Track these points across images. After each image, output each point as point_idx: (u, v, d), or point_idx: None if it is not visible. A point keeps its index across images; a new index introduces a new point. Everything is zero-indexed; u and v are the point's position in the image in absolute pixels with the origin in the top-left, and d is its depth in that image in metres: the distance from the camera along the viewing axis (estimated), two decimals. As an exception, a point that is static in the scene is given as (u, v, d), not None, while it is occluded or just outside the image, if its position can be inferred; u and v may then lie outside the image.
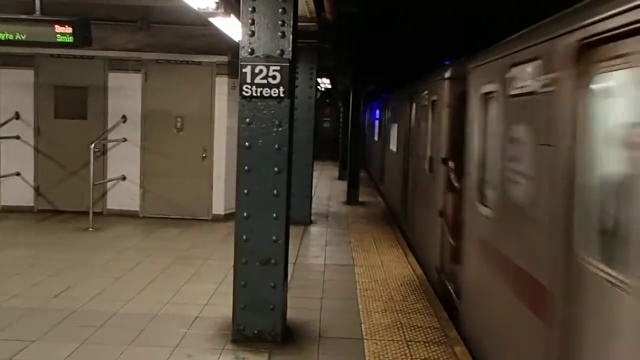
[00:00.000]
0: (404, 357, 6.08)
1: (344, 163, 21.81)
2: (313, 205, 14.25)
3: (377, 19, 11.09)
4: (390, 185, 16.56)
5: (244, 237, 6.21)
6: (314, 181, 15.30)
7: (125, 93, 12.79)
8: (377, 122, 23.43)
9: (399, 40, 12.59)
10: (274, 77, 6.04)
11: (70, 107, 12.93)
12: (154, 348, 6.05)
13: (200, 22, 9.98)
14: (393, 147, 15.60)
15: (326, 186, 21.22)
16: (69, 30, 8.87)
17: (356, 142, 18.42)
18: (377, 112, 23.36)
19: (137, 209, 12.98)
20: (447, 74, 8.37)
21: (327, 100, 33.98)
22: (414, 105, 11.69)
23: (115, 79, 12.81)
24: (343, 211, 15.66)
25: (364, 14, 10.80)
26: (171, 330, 6.52)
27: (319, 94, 22.22)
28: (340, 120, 28.77)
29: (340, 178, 23.37)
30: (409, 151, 12.11)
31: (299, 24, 6.48)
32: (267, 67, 6.05)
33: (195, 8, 7.64)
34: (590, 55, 3.61)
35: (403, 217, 12.86)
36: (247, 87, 6.08)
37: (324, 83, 24.06)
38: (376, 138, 23.16)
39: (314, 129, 13.31)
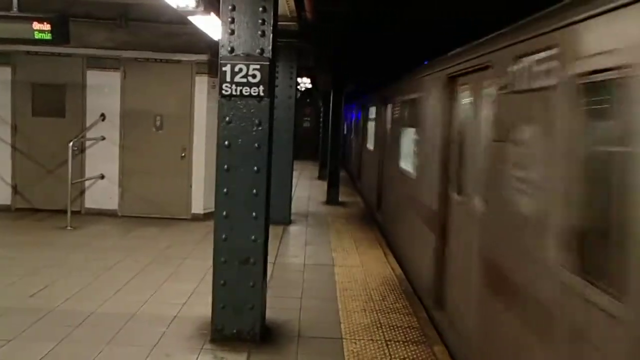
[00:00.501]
0: (383, 356, 6.10)
1: (324, 163, 21.81)
2: (293, 205, 14.22)
3: (359, 19, 11.08)
4: (403, 226, 10.21)
5: (223, 237, 6.20)
6: (294, 181, 15.29)
7: (104, 91, 12.70)
8: (372, 124, 17.16)
9: (382, 41, 12.58)
10: (254, 76, 6.03)
11: (48, 105, 12.83)
12: (132, 347, 6.01)
13: (179, 20, 9.92)
14: (407, 166, 10.08)
15: (306, 186, 21.22)
16: (47, 27, 8.79)
17: (336, 142, 18.43)
18: (373, 109, 16.85)
19: (116, 207, 12.91)
20: None
21: (308, 100, 33.96)
22: (461, 96, 6.55)
23: (94, 77, 12.72)
24: (323, 211, 15.66)
25: (346, 13, 10.78)
26: (149, 330, 6.48)
27: (299, 94, 22.13)
28: (321, 120, 28.78)
29: (320, 178, 23.39)
30: (455, 186, 6.56)
31: (279, 23, 6.47)
32: (247, 66, 6.04)
33: (175, 6, 7.57)
34: None
35: (440, 308, 7.01)
36: (226, 86, 6.06)
37: (304, 82, 23.98)
38: (370, 146, 17.36)
39: (294, 129, 13.29)
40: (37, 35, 8.83)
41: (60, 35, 8.95)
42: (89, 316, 6.79)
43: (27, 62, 12.66)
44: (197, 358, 5.85)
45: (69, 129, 12.49)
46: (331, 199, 17.25)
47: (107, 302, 7.31)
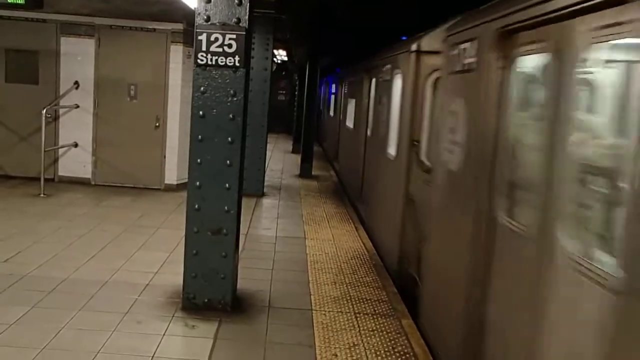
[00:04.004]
0: (351, 328, 6.19)
1: (298, 137, 21.81)
2: (266, 178, 14.26)
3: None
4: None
5: (196, 207, 6.23)
6: (268, 153, 15.30)
7: (77, 59, 12.56)
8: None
9: (356, 15, 12.57)
10: (230, 46, 6.00)
11: (22, 72, 12.67)
12: (104, 314, 6.05)
13: (155, -12, 9.84)
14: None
15: (279, 159, 21.23)
16: (20, -9, 8.72)
17: (311, 116, 18.40)
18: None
19: (89, 176, 12.85)
20: None
21: (283, 73, 33.85)
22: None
23: (68, 44, 12.57)
24: (296, 184, 15.71)
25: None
26: (121, 297, 6.52)
27: (274, 66, 22.05)
28: (296, 93, 28.74)
29: (294, 151, 23.40)
30: None
31: (256, -7, 6.46)
32: (223, 36, 6.01)
33: (152, -26, 7.55)
34: None
35: None
36: (202, 55, 6.04)
37: (280, 55, 23.90)
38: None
39: (268, 101, 13.27)
40: (10, 0, 8.73)
41: (34, 0, 8.87)
42: (61, 282, 6.81)
43: (0, 28, 12.47)
44: (168, 325, 5.91)
45: (42, 96, 12.36)
46: (304, 172, 17.28)
47: (80, 269, 7.33)
